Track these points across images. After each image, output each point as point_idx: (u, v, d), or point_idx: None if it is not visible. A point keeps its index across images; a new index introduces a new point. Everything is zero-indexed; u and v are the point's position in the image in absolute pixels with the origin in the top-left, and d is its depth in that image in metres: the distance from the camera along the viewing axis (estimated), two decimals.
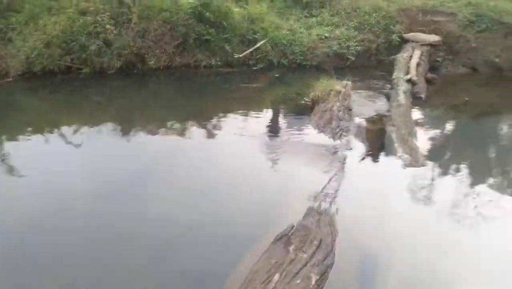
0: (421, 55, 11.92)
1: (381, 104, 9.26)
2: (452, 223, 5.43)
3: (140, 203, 5.55)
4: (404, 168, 6.38)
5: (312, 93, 8.87)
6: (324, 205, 5.30)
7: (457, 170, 6.86)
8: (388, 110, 8.75)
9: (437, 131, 8.65)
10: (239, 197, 5.76)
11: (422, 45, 12.41)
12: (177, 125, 8.20)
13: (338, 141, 7.19)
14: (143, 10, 11.13)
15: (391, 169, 6.46)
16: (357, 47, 12.16)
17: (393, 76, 10.52)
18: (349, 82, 9.40)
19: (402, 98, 8.97)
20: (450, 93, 11.12)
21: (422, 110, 9.34)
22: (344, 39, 12.25)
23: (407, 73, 10.67)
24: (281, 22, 12.63)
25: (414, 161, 6.48)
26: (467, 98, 10.28)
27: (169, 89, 10.66)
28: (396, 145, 7.07)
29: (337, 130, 7.50)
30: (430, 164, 6.72)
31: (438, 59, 12.35)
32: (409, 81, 10.18)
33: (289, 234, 4.68)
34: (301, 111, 8.81)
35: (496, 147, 8.35)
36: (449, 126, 9.23)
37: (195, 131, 7.86)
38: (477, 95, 11.14)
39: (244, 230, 5.04)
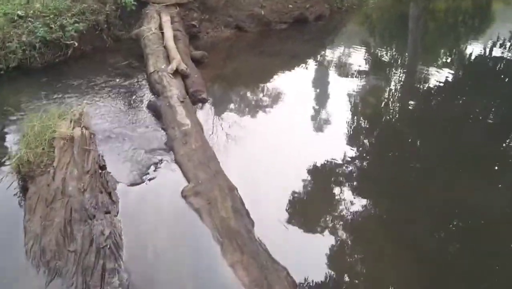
0: (173, 22, 7.98)
1: (150, 133, 5.11)
2: None
3: None
4: None
5: (15, 157, 4.08)
6: None
7: None
8: (169, 146, 4.70)
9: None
10: None
11: (168, 6, 8.43)
12: None
13: None
14: None
15: None
16: (76, 24, 7.34)
17: (150, 69, 6.36)
18: (85, 109, 4.87)
19: (183, 117, 4.97)
20: (229, 74, 7.61)
21: (215, 126, 5.55)
22: (52, 16, 7.24)
23: (167, 58, 6.66)
24: None
25: None
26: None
27: None
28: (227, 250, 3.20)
29: (92, 255, 3.15)
30: None
31: (194, 22, 8.60)
32: (176, 71, 6.23)
33: None
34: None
35: None
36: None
37: None
38: (255, 67, 8.02)
39: None
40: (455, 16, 12.40)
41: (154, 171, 4.35)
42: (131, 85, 6.52)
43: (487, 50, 8.98)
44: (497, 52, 8.89)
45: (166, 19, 7.88)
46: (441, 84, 7.23)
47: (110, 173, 4.22)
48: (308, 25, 9.72)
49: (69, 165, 3.99)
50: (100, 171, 4.15)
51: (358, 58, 8.64)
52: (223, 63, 7.99)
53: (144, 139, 4.92)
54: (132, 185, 4.13)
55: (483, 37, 10.22)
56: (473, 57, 8.64)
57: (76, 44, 7.28)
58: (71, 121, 4.53)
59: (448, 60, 8.82)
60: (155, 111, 5.48)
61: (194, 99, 5.84)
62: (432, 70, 7.90)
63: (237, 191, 3.87)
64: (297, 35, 9.40)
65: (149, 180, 4.22)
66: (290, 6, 9.34)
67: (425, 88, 7.27)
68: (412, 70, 8.38)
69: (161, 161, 4.52)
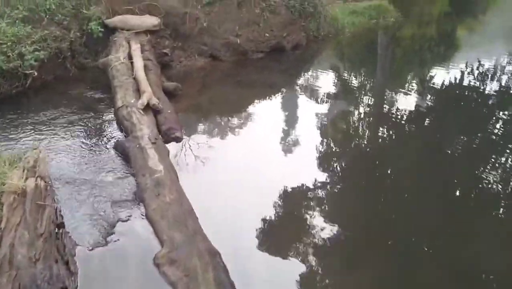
0: (144, 50, 7.44)
1: (117, 180, 4.49)
2: None
3: None
4: None
5: None
6: None
7: None
8: (139, 198, 4.09)
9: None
10: None
11: (138, 33, 7.88)
12: None
13: None
14: None
15: None
16: (37, 53, 6.68)
17: (118, 104, 5.77)
18: (41, 154, 4.23)
19: (156, 162, 4.39)
20: (204, 107, 7.09)
21: (190, 168, 4.99)
22: (10, 43, 6.55)
23: (137, 91, 6.08)
24: None
25: None
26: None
27: None
28: None
29: None
30: None
31: (166, 51, 8.08)
32: (147, 106, 5.66)
33: None
34: None
35: None
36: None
37: None
38: (231, 99, 7.54)
39: None
40: (420, 43, 12.44)
41: (121, 229, 3.73)
42: (96, 121, 5.91)
43: (454, 76, 8.95)
44: (464, 78, 8.92)
45: (135, 47, 7.33)
46: (411, 109, 7.18)
47: (68, 233, 3.58)
48: (285, 54, 9.35)
49: (19, 227, 3.34)
50: (56, 231, 3.52)
51: (332, 86, 8.46)
52: (197, 94, 7.49)
53: (110, 188, 4.30)
54: (95, 248, 3.49)
55: (448, 63, 10.30)
56: (438, 82, 8.60)
57: (36, 73, 6.65)
58: (24, 170, 3.88)
59: (416, 86, 8.75)
60: (123, 153, 4.88)
61: (167, 138, 5.28)
62: (400, 95, 7.89)
63: (219, 256, 3.31)
64: (273, 65, 9.01)
65: (115, 241, 3.59)
66: (267, 35, 8.96)
67: (395, 113, 7.11)
68: (380, 95, 8.24)
69: (129, 216, 3.91)
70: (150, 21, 8.06)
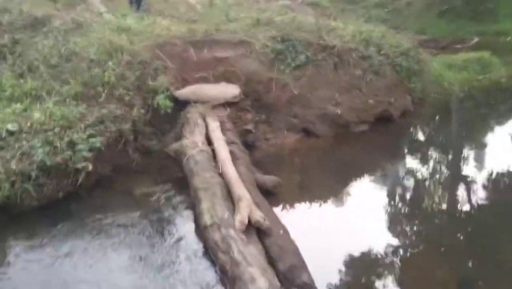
0: (225, 129, 5.73)
1: None
2: None
3: None
4: None
5: None
6: None
7: None
8: None
9: None
10: None
11: (214, 106, 6.22)
12: None
13: None
14: None
15: None
16: (92, 139, 5.06)
17: (205, 220, 3.91)
18: None
19: None
20: (309, 209, 5.07)
21: None
22: (58, 129, 5.00)
23: (228, 196, 4.24)
24: None
25: None
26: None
27: None
28: None
29: None
30: None
31: (249, 127, 6.33)
32: (249, 226, 3.77)
33: None
34: None
35: None
36: None
37: None
38: (339, 195, 5.51)
39: None
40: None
41: None
42: (171, 245, 4.04)
43: None
44: None
45: (214, 126, 5.64)
46: None
47: None
48: (391, 123, 7.36)
49: None
50: None
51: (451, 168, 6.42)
52: (296, 187, 5.55)
53: None
54: None
55: None
56: None
57: (91, 167, 4.97)
58: None
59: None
60: None
61: (288, 286, 3.31)
62: None
63: None
64: (380, 139, 6.96)
65: None
66: (371, 101, 7.07)
67: None
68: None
69: None
70: (230, 90, 6.42)
